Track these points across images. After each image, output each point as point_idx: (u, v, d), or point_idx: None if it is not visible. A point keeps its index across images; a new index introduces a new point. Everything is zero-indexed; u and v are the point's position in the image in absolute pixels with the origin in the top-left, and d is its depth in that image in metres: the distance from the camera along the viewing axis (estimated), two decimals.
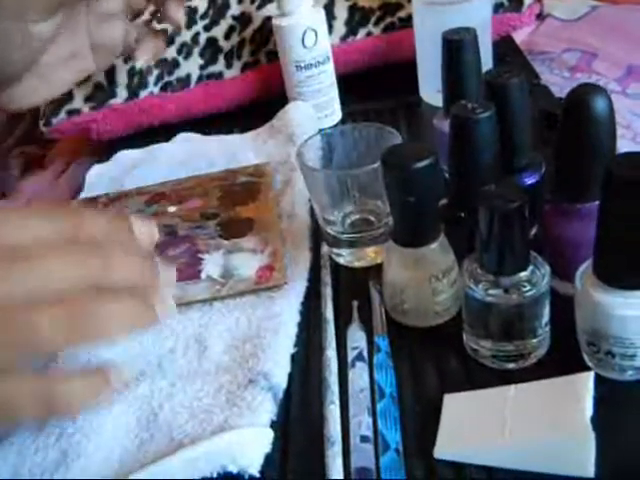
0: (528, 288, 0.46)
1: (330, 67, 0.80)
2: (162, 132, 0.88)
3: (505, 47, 0.89)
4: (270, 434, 0.46)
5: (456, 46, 0.61)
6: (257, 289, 0.58)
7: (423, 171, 0.47)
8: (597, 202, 0.47)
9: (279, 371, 0.51)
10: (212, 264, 0.61)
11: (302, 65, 0.78)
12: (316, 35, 0.77)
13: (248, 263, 0.60)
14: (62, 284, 0.39)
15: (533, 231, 0.56)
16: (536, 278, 0.47)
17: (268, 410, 0.48)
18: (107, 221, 0.44)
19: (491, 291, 0.47)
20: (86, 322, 0.39)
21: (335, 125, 0.83)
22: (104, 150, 0.88)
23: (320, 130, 0.79)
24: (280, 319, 0.55)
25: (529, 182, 0.56)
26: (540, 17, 0.97)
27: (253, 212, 0.67)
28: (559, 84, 0.87)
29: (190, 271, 0.61)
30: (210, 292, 0.58)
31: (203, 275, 0.60)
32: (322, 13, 0.78)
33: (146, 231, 0.46)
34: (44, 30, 0.64)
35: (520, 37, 0.96)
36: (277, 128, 0.79)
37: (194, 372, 0.52)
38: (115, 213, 0.70)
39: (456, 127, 0.52)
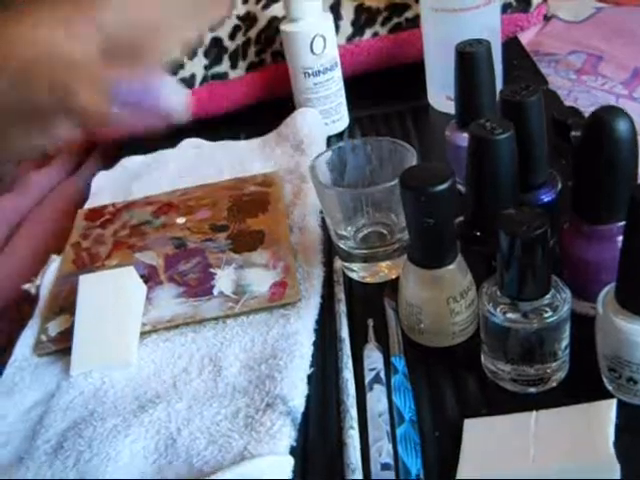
0: (549, 314, 0.46)
1: (338, 73, 0.80)
2: (166, 133, 0.87)
3: (512, 50, 0.89)
4: (290, 461, 0.46)
5: (469, 59, 0.60)
6: (271, 306, 0.57)
7: (442, 194, 0.47)
8: (618, 224, 0.47)
9: (297, 394, 0.50)
10: (224, 279, 0.61)
11: (310, 72, 0.77)
12: (324, 41, 0.76)
13: (261, 279, 0.60)
14: None
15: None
16: (557, 303, 0.46)
17: (287, 436, 0.47)
18: None
19: (510, 315, 0.47)
20: None
21: (341, 132, 0.82)
22: (109, 153, 0.87)
23: (329, 141, 0.78)
24: (295, 339, 0.54)
25: (546, 199, 0.55)
26: (545, 18, 0.96)
27: (263, 224, 0.66)
28: (566, 87, 0.86)
29: (202, 287, 0.60)
30: (223, 310, 0.58)
31: (215, 291, 0.59)
32: (330, 19, 0.77)
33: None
34: None
35: (525, 38, 0.95)
36: (284, 136, 0.78)
37: (210, 394, 0.52)
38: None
39: (474, 147, 0.51)
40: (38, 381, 0.55)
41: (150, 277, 0.62)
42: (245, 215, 0.68)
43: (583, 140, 0.47)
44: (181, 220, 0.69)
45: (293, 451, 0.47)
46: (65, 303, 0.61)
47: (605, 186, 0.47)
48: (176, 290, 0.60)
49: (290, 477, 0.46)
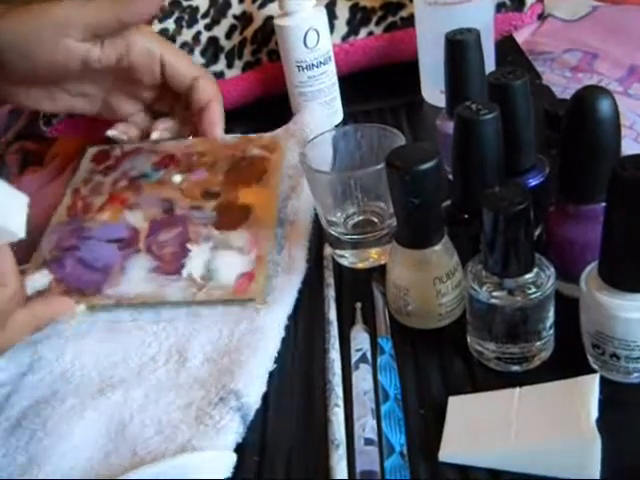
0: (533, 290, 0.46)
1: (332, 67, 0.80)
2: None
3: (507, 47, 0.89)
4: (232, 457, 0.46)
5: (459, 47, 0.61)
6: (232, 299, 0.57)
7: (427, 173, 0.47)
8: (602, 204, 0.47)
9: (252, 390, 0.50)
10: (196, 260, 0.60)
11: (304, 65, 0.78)
12: (318, 35, 0.76)
13: (231, 266, 0.60)
14: None
15: (537, 232, 0.55)
16: (541, 280, 0.46)
17: (234, 431, 0.47)
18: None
19: (495, 293, 0.47)
20: None
21: (337, 125, 0.82)
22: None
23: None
24: (263, 333, 0.54)
25: (533, 183, 0.55)
26: (541, 17, 0.97)
27: (254, 197, 0.66)
28: (561, 84, 0.87)
29: (174, 265, 0.60)
30: (184, 295, 0.58)
31: (184, 272, 0.59)
32: (324, 13, 0.78)
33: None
34: (80, 49, 0.68)
35: (521, 37, 0.96)
36: (292, 132, 0.78)
37: (171, 383, 0.52)
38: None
39: (460, 128, 0.51)
40: (12, 360, 0.55)
41: (130, 242, 0.63)
42: (239, 182, 0.68)
43: (567, 119, 0.48)
44: (178, 179, 0.69)
45: (283, 427, 0.48)
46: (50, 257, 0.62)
47: (589, 165, 0.48)
48: (150, 263, 0.61)
49: (229, 474, 0.45)
